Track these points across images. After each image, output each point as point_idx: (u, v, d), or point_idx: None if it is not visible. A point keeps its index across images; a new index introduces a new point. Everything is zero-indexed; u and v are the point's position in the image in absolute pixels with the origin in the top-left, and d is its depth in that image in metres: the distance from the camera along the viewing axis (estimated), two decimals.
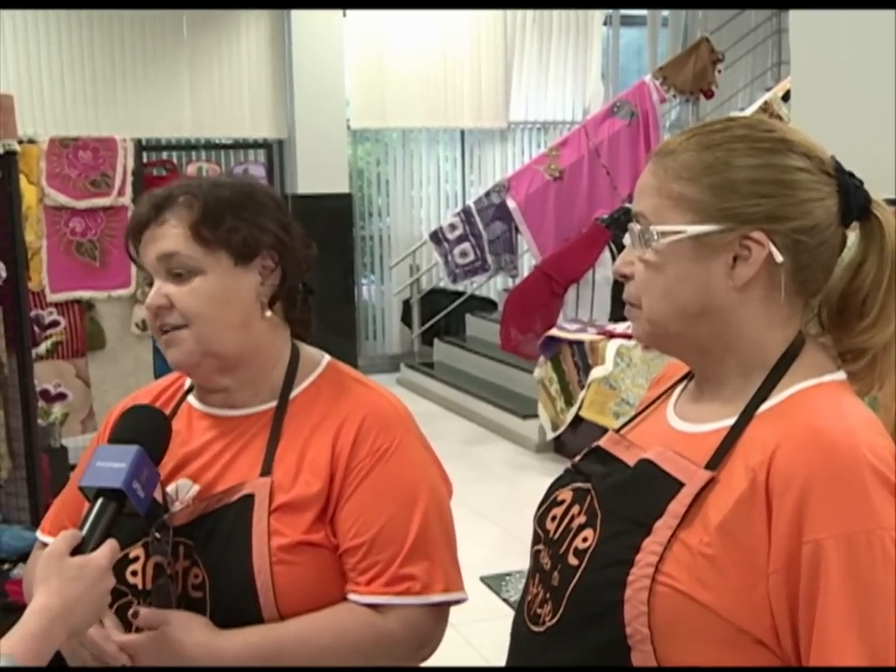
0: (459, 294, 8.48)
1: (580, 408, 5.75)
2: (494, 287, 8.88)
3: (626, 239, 1.19)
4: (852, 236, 1.16)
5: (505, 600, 4.00)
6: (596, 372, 5.63)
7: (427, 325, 8.48)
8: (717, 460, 1.07)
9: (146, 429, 1.38)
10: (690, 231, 1.10)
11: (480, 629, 3.44)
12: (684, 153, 1.13)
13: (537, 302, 6.59)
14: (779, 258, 1.09)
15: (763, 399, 1.10)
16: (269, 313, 1.46)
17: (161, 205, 1.42)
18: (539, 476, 5.44)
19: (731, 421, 1.10)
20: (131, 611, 1.33)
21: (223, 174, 6.92)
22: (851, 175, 1.14)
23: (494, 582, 4.18)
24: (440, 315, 8.44)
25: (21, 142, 5.45)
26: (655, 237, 1.12)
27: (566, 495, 1.22)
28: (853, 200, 1.12)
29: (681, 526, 1.05)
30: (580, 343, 5.88)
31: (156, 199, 1.44)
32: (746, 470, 1.05)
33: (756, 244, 1.09)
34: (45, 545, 1.54)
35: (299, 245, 1.49)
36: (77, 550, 1.22)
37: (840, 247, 1.15)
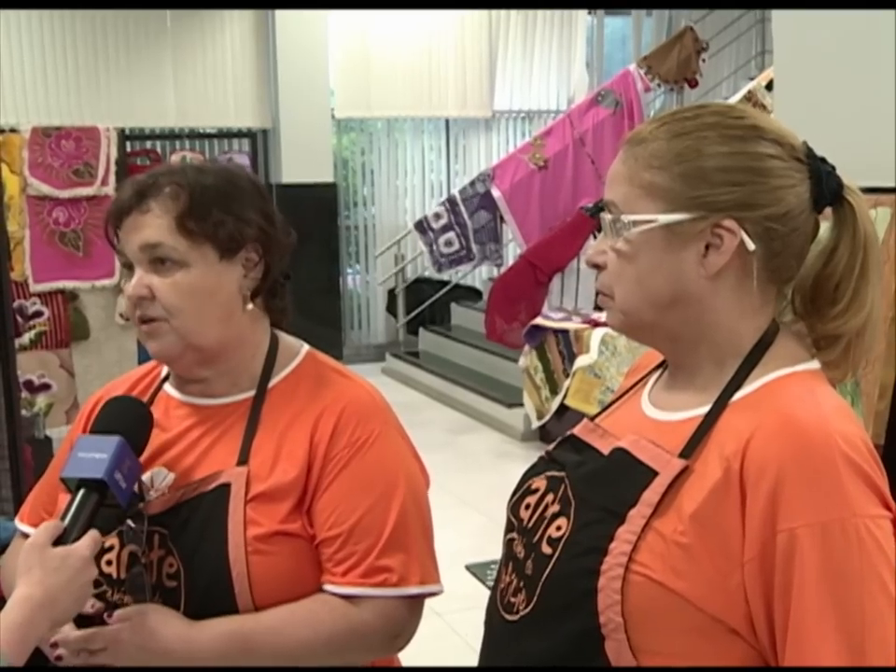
0: (444, 283, 8.48)
1: (564, 396, 5.77)
2: (479, 276, 8.88)
3: None
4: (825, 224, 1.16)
5: (490, 588, 4.01)
6: (581, 361, 5.65)
7: (413, 314, 8.49)
8: (691, 449, 1.07)
9: (127, 420, 1.37)
10: (661, 220, 1.10)
11: (465, 617, 3.45)
12: (654, 142, 1.12)
13: (522, 291, 6.60)
14: (751, 245, 1.09)
15: (737, 388, 1.10)
16: (250, 305, 1.44)
17: (144, 192, 1.39)
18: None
19: (704, 409, 1.10)
20: (106, 614, 1.32)
21: (207, 161, 6.90)
22: (823, 160, 1.13)
23: (479, 570, 4.20)
24: (425, 304, 8.44)
25: (2, 131, 5.45)
26: (626, 226, 1.11)
27: (540, 483, 1.21)
28: (825, 186, 1.11)
29: (655, 515, 1.04)
30: (564, 332, 5.90)
31: (140, 185, 1.40)
32: (720, 459, 1.04)
33: (728, 232, 1.08)
34: (24, 534, 1.54)
35: (281, 234, 1.47)
36: (59, 540, 1.22)
37: (813, 234, 1.14)
